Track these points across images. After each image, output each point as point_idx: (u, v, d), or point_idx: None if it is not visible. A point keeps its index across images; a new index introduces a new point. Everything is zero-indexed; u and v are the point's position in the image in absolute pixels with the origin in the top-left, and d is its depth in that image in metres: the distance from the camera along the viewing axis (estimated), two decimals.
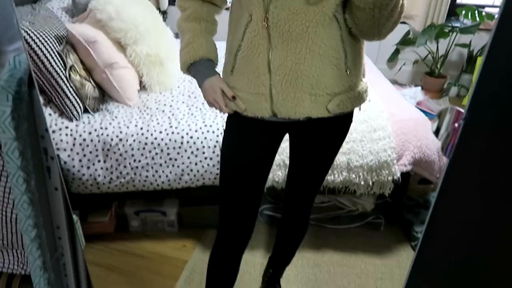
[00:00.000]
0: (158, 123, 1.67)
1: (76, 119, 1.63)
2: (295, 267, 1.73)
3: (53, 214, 0.84)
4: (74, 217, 0.91)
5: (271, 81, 0.96)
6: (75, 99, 1.60)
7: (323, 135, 1.11)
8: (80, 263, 0.97)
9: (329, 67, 0.94)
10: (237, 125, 1.09)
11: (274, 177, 1.67)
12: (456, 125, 0.51)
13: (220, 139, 1.64)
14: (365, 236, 1.90)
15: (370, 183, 1.68)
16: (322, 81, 0.95)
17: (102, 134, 1.60)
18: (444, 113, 0.53)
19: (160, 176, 1.67)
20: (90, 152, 1.60)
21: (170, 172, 1.66)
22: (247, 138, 1.09)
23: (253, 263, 1.74)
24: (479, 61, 3.08)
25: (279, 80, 0.95)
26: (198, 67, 1.06)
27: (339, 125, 1.11)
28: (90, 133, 1.60)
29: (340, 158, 1.65)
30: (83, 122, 1.63)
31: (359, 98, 1.05)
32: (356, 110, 1.10)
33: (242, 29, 0.96)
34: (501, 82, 0.50)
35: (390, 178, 1.67)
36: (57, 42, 1.60)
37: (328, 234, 1.90)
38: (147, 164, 1.64)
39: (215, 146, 1.66)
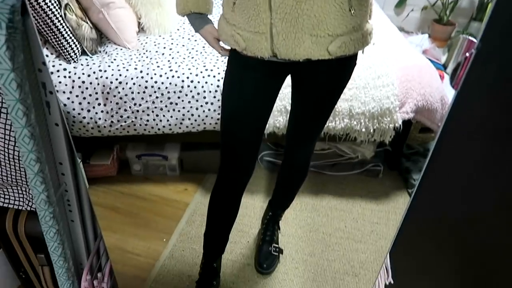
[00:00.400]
0: (158, 66, 1.63)
1: (74, 61, 1.59)
2: (293, 210, 1.77)
3: (55, 150, 0.85)
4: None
5: (272, 19, 0.93)
6: (72, 40, 1.56)
7: (325, 79, 1.09)
8: (84, 200, 0.99)
9: (332, 6, 0.90)
10: (237, 66, 1.08)
11: (275, 122, 1.67)
12: (467, 54, 0.49)
13: (221, 83, 1.62)
14: (363, 182, 1.93)
15: (371, 130, 1.68)
16: (324, 21, 0.92)
17: (101, 76, 1.58)
18: (456, 43, 0.51)
19: (161, 120, 1.66)
20: (90, 95, 1.58)
21: (171, 117, 1.66)
22: (247, 78, 1.08)
23: (253, 207, 1.78)
24: (490, 8, 2.96)
25: (279, 19, 0.92)
26: (190, 19, 1.10)
27: (341, 68, 1.08)
28: (89, 75, 1.57)
29: (342, 105, 1.64)
30: (81, 64, 1.60)
31: (362, 41, 1.01)
32: (360, 55, 1.07)
33: None
34: None
35: (391, 125, 1.67)
36: None
37: (327, 180, 1.94)
38: (148, 108, 1.63)
39: (216, 91, 1.63)
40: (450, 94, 1.75)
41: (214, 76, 1.63)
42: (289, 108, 1.41)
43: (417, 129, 1.95)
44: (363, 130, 1.68)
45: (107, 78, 1.57)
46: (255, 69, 1.05)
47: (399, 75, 1.68)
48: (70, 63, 1.58)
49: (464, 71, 0.50)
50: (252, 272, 1.55)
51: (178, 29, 1.92)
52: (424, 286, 0.85)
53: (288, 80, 1.16)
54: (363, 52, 1.06)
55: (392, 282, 0.83)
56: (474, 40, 0.49)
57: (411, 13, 3.27)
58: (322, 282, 1.52)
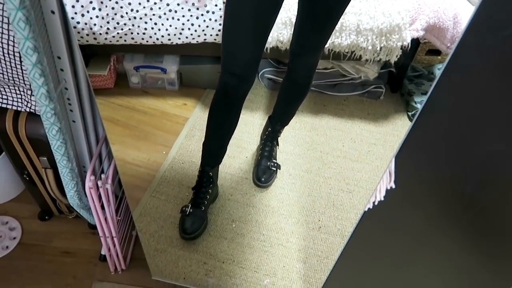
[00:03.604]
0: None
1: None
2: (293, 129, 1.77)
3: (52, 42, 0.80)
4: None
5: None
6: None
7: None
8: (85, 99, 0.96)
9: None
10: None
11: (278, 36, 1.59)
12: None
13: None
14: (364, 104, 1.91)
15: (378, 48, 1.62)
16: None
17: None
18: None
19: (159, 29, 1.57)
20: None
21: (170, 26, 1.57)
22: None
23: (252, 124, 1.78)
24: None
25: None
26: None
27: None
28: None
29: (350, 19, 1.56)
30: None
31: None
32: None
33: None
34: None
35: (399, 44, 1.60)
36: None
37: (328, 100, 1.91)
38: (145, 15, 1.54)
39: (215, 6, 1.53)
40: (463, 12, 1.67)
41: None
42: (294, 20, 1.33)
43: (424, 51, 1.89)
44: (370, 47, 1.62)
45: None
46: None
47: None
48: None
49: None
50: (250, 186, 1.58)
51: None
52: (426, 194, 0.87)
53: None
54: None
55: (393, 186, 0.84)
56: None
57: None
58: (317, 197, 1.57)
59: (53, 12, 0.74)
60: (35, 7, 0.71)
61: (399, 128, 1.84)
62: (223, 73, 1.19)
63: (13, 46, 0.95)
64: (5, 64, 0.95)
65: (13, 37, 0.92)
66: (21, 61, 0.96)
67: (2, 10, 0.86)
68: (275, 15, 1.12)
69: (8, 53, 0.93)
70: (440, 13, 1.59)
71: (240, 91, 1.23)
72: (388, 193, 0.88)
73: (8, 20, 0.91)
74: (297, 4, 1.17)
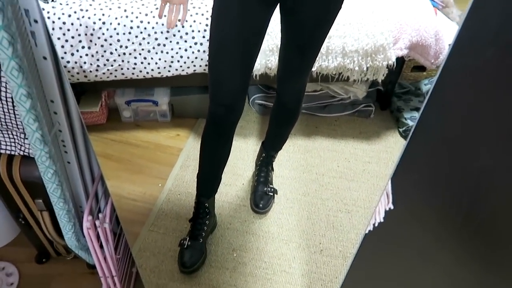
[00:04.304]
0: (143, 5, 1.54)
1: (53, 0, 1.49)
2: (286, 152, 1.78)
3: (45, 87, 0.81)
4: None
5: None
6: None
7: (314, 6, 1.05)
8: (79, 140, 0.96)
9: None
10: (223, 5, 1.03)
11: (266, 62, 1.63)
12: None
13: (210, 22, 1.55)
14: (355, 123, 1.94)
15: (364, 68, 1.66)
16: None
17: (83, 17, 1.48)
18: None
19: (149, 63, 1.60)
20: (73, 37, 1.50)
21: (159, 59, 1.59)
22: (234, 7, 1.03)
23: (246, 150, 1.78)
24: None
25: None
26: None
27: None
28: (69, 15, 1.48)
29: (335, 42, 1.60)
30: (60, 4, 1.50)
31: None
32: None
33: None
34: None
35: (385, 63, 1.64)
36: None
37: (320, 122, 1.93)
38: (135, 50, 1.56)
39: (205, 30, 1.57)
40: (444, 29, 1.72)
41: (202, 15, 1.56)
42: None
43: (409, 67, 1.93)
44: (356, 68, 1.65)
45: (89, 18, 1.48)
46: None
47: (393, 11, 1.64)
48: (48, 2, 1.48)
49: None
50: (248, 213, 1.58)
51: None
52: (425, 212, 0.87)
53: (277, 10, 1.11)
54: None
55: (392, 207, 0.85)
56: None
57: None
58: (317, 219, 1.57)
59: (45, 58, 0.75)
60: (27, 55, 0.72)
61: (391, 145, 1.86)
62: (211, 104, 1.20)
63: (5, 92, 0.95)
64: None
65: (5, 83, 0.93)
66: (13, 106, 0.96)
67: None
68: (259, 45, 1.14)
69: (1, 99, 0.93)
70: (422, 31, 1.64)
71: (229, 120, 1.25)
72: (387, 214, 0.89)
73: (0, 67, 0.92)
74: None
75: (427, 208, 0.88)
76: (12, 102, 0.94)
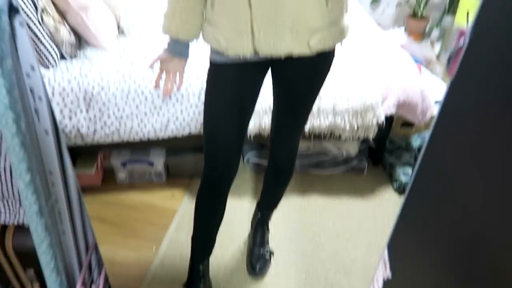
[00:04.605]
0: (140, 70, 1.60)
1: (53, 66, 1.54)
2: (282, 211, 1.77)
3: (45, 159, 0.82)
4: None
5: (252, 16, 0.94)
6: (50, 45, 1.51)
7: (304, 71, 1.10)
8: (75, 210, 0.96)
9: (309, 1, 0.93)
10: (219, 63, 1.07)
11: (260, 123, 1.67)
12: (460, 44, 0.50)
13: (205, 85, 1.61)
14: (349, 180, 1.95)
15: (355, 127, 1.70)
16: (302, 16, 0.94)
17: (82, 82, 1.53)
18: (448, 34, 0.52)
19: (145, 126, 1.63)
20: (71, 102, 1.54)
21: (156, 121, 1.63)
22: (229, 74, 1.08)
23: (241, 210, 1.77)
24: (462, 0, 3.06)
25: (259, 15, 0.93)
26: (168, 41, 1.08)
27: (320, 61, 1.09)
28: (69, 81, 1.53)
29: (326, 103, 1.65)
30: (61, 70, 1.55)
31: (340, 34, 1.03)
32: (341, 52, 1.09)
33: None
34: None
35: (374, 121, 1.69)
36: None
37: (314, 179, 1.95)
38: (132, 113, 1.60)
39: (200, 93, 1.62)
40: (429, 87, 1.80)
41: (197, 78, 1.62)
42: None
43: (399, 124, 2.00)
44: (347, 127, 1.70)
45: (88, 83, 1.53)
46: (235, 70, 1.06)
47: (380, 71, 1.72)
48: (49, 69, 1.53)
49: (456, 61, 0.51)
50: (245, 276, 1.54)
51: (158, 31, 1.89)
52: (422, 279, 0.87)
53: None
54: (341, 44, 1.07)
55: (390, 277, 0.84)
56: (465, 30, 0.51)
57: (386, 9, 3.36)
58: (315, 281, 1.53)
59: (46, 132, 0.77)
60: (30, 130, 0.74)
61: (386, 201, 1.87)
62: (206, 166, 1.21)
63: (4, 162, 0.96)
64: None
65: (4, 153, 0.94)
66: (11, 176, 0.97)
67: None
68: (252, 109, 1.19)
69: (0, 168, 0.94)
70: (408, 90, 1.71)
71: (224, 183, 1.25)
72: (385, 283, 0.88)
73: (1, 138, 0.94)
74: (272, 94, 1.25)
75: (425, 275, 0.88)
76: (11, 172, 0.94)
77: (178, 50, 1.09)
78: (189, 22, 1.04)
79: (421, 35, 3.21)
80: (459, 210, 0.78)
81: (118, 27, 1.79)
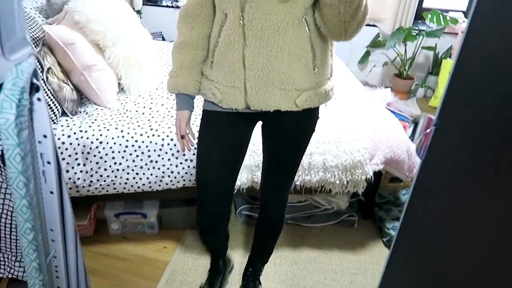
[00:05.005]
0: (138, 126, 1.70)
1: (54, 122, 1.63)
2: (273, 264, 1.81)
3: (47, 217, 0.88)
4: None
5: (246, 75, 1.07)
6: (53, 102, 1.61)
7: (291, 127, 1.21)
8: (71, 266, 1.01)
9: (298, 65, 1.06)
10: (210, 116, 1.21)
11: (253, 177, 1.74)
12: (428, 130, 0.59)
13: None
14: (340, 233, 2.01)
15: (345, 182, 1.79)
16: (291, 77, 1.07)
17: (81, 137, 1.62)
18: (418, 119, 0.62)
19: (141, 179, 1.70)
20: (69, 156, 1.61)
21: (151, 174, 1.70)
22: (219, 126, 1.21)
23: (233, 263, 1.80)
24: (444, 63, 3.28)
25: (252, 75, 1.06)
26: (176, 98, 1.23)
27: (306, 118, 1.21)
28: (69, 136, 1.61)
29: (317, 159, 1.75)
30: (62, 126, 1.64)
31: (325, 96, 1.16)
32: (329, 110, 1.20)
33: (217, 28, 1.08)
34: (468, 94, 0.60)
35: (363, 177, 1.78)
36: (33, 43, 1.60)
37: (305, 232, 2.00)
38: (128, 166, 1.67)
39: (194, 148, 1.70)
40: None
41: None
42: None
43: (387, 179, 2.08)
44: (337, 182, 1.78)
45: (87, 138, 1.62)
46: (226, 118, 1.18)
47: (367, 129, 1.83)
48: (56, 123, 1.62)
49: (426, 144, 0.60)
50: None
51: (156, 89, 2.02)
52: None
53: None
54: (326, 105, 1.20)
55: None
56: (432, 117, 0.60)
57: (373, 69, 3.56)
58: None
59: (51, 193, 0.84)
60: (37, 191, 0.81)
61: (376, 255, 1.91)
62: (198, 215, 1.35)
63: (5, 218, 1.02)
64: None
65: (6, 210, 1.00)
66: (11, 231, 1.02)
67: (5, 191, 0.96)
68: (242, 159, 1.31)
69: (0, 225, 1.00)
70: (395, 148, 1.81)
71: (216, 229, 1.42)
72: None
73: (4, 195, 1.00)
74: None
75: None
76: (10, 228, 1.00)
77: (185, 104, 1.22)
78: (192, 79, 1.18)
79: (406, 94, 3.40)
80: (440, 267, 0.84)
81: (119, 85, 1.91)
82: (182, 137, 1.25)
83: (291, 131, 1.22)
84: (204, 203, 1.32)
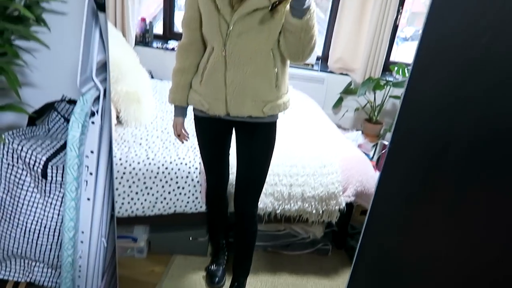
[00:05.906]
0: (136, 155, 1.94)
1: None
2: None
3: (81, 220, 1.09)
4: None
5: (226, 90, 1.48)
6: None
7: (259, 132, 1.61)
8: (90, 269, 1.20)
9: (265, 83, 1.49)
10: (200, 124, 1.67)
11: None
12: (383, 151, 0.88)
13: (192, 170, 1.95)
14: (315, 260, 2.25)
15: (321, 211, 2.06)
16: (260, 92, 1.49)
17: None
18: (377, 144, 0.91)
19: (135, 203, 1.91)
20: None
21: (145, 200, 1.92)
22: (208, 131, 1.67)
23: None
24: None
25: (231, 90, 1.47)
26: (174, 107, 1.67)
27: (268, 128, 1.62)
28: None
29: (296, 190, 2.03)
30: None
31: (283, 106, 1.59)
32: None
33: (206, 56, 1.50)
34: (414, 130, 0.90)
35: (337, 207, 2.07)
36: None
37: (284, 259, 2.23)
38: (124, 192, 1.89)
39: (187, 177, 1.95)
40: None
41: (185, 164, 1.96)
42: None
43: (359, 211, 2.38)
44: (314, 211, 2.06)
45: None
46: (212, 124, 1.61)
47: (341, 165, 2.14)
48: None
49: (382, 161, 0.89)
50: None
51: (151, 122, 2.27)
52: None
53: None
54: (284, 113, 1.61)
55: None
56: (386, 143, 0.89)
57: (346, 113, 3.97)
58: None
59: (88, 199, 1.06)
60: (78, 196, 1.03)
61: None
62: (206, 175, 1.85)
63: (31, 223, 1.22)
64: (23, 240, 1.20)
65: (38, 217, 1.21)
66: (38, 237, 1.22)
67: (29, 196, 1.17)
68: (227, 153, 1.78)
69: (29, 231, 1.19)
70: (364, 182, 2.12)
71: (220, 184, 1.86)
72: None
73: (37, 204, 1.21)
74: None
75: None
76: (38, 233, 1.19)
77: (180, 112, 1.66)
78: (186, 94, 1.59)
79: (376, 137, 3.79)
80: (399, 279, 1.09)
81: (117, 117, 2.15)
82: (179, 135, 1.69)
83: (259, 136, 1.62)
84: (210, 169, 1.80)
